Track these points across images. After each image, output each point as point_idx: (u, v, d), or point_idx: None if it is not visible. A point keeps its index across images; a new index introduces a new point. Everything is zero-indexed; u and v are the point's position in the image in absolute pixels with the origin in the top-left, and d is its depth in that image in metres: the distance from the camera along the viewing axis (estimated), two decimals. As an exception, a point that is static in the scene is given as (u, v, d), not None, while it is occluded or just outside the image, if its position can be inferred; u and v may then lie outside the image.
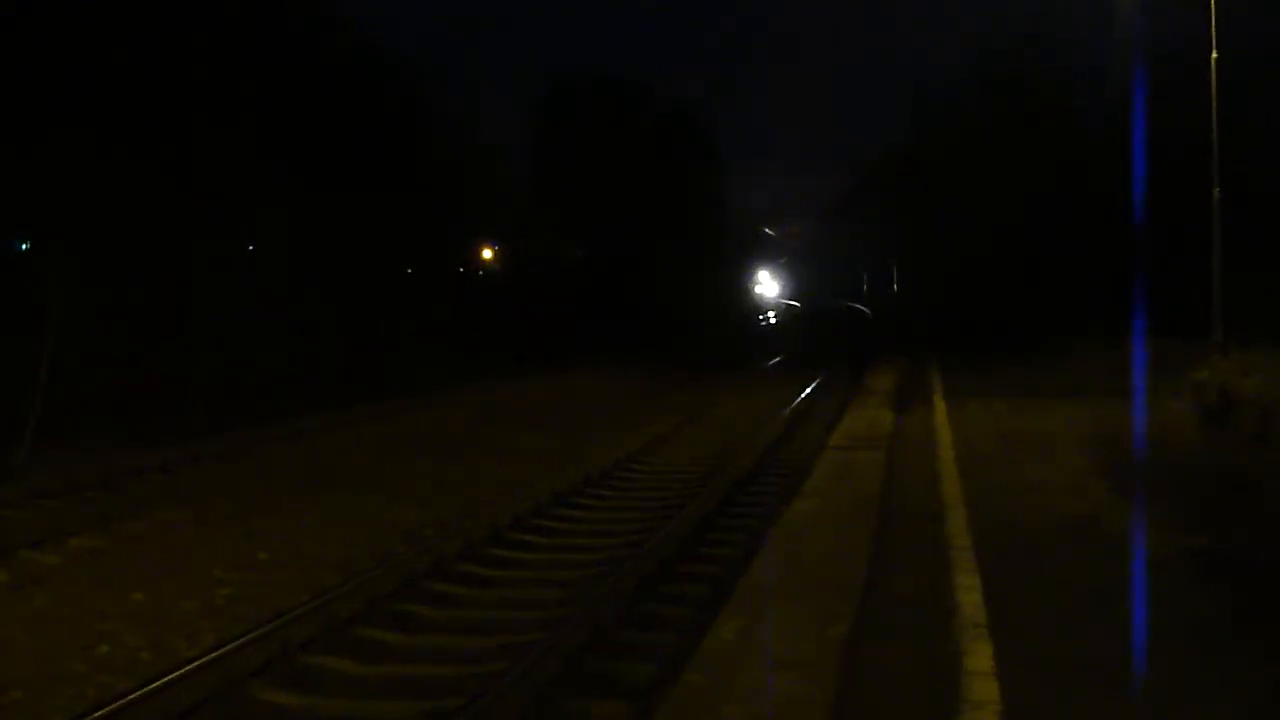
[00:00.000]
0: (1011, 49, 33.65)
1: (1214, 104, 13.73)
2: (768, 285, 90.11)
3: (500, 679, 5.44)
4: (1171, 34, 21.32)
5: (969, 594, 5.75)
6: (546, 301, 35.86)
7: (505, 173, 39.72)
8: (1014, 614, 5.42)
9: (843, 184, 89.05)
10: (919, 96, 48.81)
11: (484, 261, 41.79)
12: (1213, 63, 13.78)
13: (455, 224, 34.95)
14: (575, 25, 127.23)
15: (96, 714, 5.03)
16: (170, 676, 5.47)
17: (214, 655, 5.77)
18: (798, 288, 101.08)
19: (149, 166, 19.42)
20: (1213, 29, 13.79)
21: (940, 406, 15.03)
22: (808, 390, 19.46)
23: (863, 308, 72.50)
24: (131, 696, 5.24)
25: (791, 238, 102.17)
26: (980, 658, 4.77)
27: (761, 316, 72.99)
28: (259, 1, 23.78)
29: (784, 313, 79.31)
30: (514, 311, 34.16)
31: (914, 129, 48.90)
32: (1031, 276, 31.08)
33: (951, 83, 41.10)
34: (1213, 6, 13.79)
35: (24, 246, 20.40)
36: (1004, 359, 22.51)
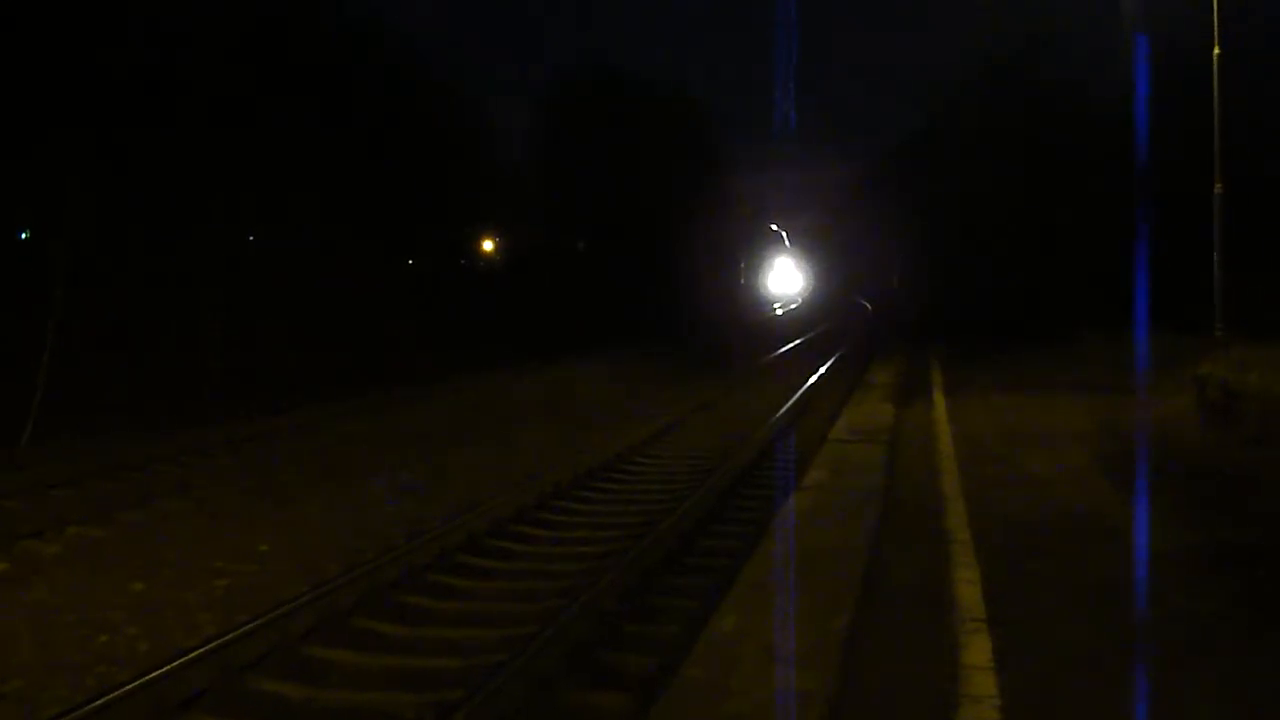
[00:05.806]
0: (1017, 50, 33.60)
1: (1216, 99, 13.72)
2: (774, 277, 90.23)
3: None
4: (1176, 30, 21.30)
5: (968, 587, 5.75)
6: (548, 293, 35.78)
7: (503, 165, 39.56)
8: (1013, 607, 5.42)
9: (848, 178, 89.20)
10: (927, 92, 48.85)
11: (485, 253, 41.71)
12: (1214, 58, 13.76)
13: (457, 216, 34.89)
14: (576, 14, 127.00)
15: (94, 704, 5.03)
16: (168, 667, 5.47)
17: (212, 645, 5.77)
18: (803, 280, 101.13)
19: (151, 157, 19.40)
20: (1215, 24, 13.77)
21: (941, 400, 15.02)
22: (810, 382, 19.44)
23: (865, 300, 72.44)
24: (129, 686, 5.23)
25: (797, 231, 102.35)
26: (979, 651, 4.78)
27: (778, 305, 72.86)
28: None
29: (791, 305, 79.31)
30: (516, 303, 34.10)
31: (924, 124, 48.98)
32: (1035, 270, 31.07)
33: (958, 80, 41.11)
34: (1214, 2, 13.78)
35: (23, 235, 20.38)
36: (1006, 353, 22.47)
